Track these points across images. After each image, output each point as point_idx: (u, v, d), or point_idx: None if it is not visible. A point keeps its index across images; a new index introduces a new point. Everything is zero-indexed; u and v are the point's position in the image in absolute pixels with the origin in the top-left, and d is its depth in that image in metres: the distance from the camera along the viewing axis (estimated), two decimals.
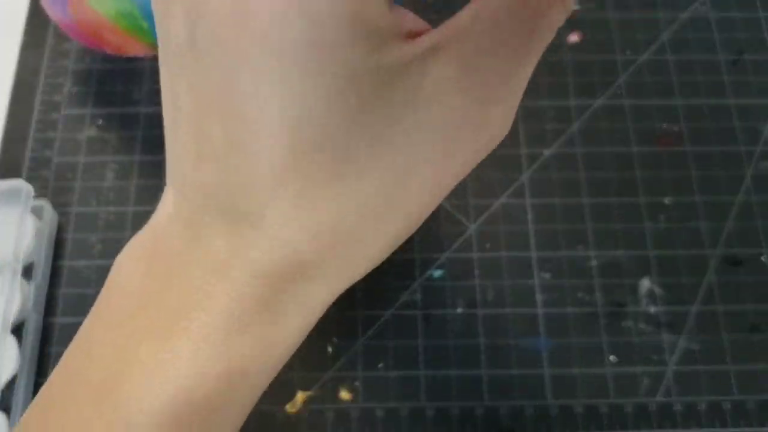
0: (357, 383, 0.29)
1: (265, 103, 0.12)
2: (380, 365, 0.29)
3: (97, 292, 0.16)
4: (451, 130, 0.14)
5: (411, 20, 0.15)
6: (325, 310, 0.16)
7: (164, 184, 0.16)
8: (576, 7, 0.37)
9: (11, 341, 0.28)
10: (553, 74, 0.35)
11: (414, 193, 0.14)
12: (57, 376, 0.15)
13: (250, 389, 0.15)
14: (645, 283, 0.31)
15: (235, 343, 0.14)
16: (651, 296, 0.31)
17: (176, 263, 0.15)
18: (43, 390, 0.15)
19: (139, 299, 0.15)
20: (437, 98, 0.13)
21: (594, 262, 0.31)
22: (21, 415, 0.28)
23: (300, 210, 0.13)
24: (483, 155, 0.15)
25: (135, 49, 0.29)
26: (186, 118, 0.14)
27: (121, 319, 0.15)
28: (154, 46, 0.27)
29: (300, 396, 0.29)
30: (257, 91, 0.12)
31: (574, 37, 0.36)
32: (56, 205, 0.32)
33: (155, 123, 0.34)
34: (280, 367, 0.16)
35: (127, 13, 0.28)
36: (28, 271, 0.30)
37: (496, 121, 0.15)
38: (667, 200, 0.32)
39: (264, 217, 0.13)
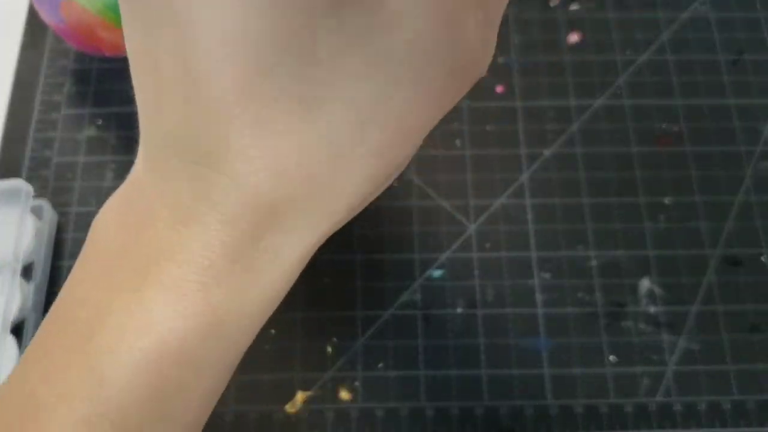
0: (357, 383, 0.29)
1: (212, 23, 0.12)
2: (380, 365, 0.29)
3: None
4: (418, 58, 0.13)
5: None
6: (304, 262, 0.15)
7: None
8: (575, 7, 0.37)
9: (11, 341, 0.28)
10: (553, 74, 0.35)
11: (385, 128, 0.13)
12: (41, 331, 0.15)
13: (228, 345, 0.15)
14: (645, 283, 0.31)
15: (207, 295, 0.14)
16: (651, 296, 0.31)
17: (147, 213, 0.14)
18: (30, 345, 0.15)
19: (114, 251, 0.14)
20: (399, 22, 0.12)
21: (594, 262, 0.31)
22: None
23: (261, 144, 0.13)
24: (464, 86, 0.14)
25: None
26: (141, 60, 0.14)
27: (98, 272, 0.15)
28: None
29: (300, 396, 0.29)
30: (202, 13, 0.12)
31: (574, 38, 0.36)
32: (56, 205, 0.32)
33: None
34: (259, 324, 0.15)
35: (113, 5, 0.28)
36: (27, 271, 0.30)
37: (471, 44, 0.13)
38: (667, 200, 0.32)
39: (224, 155, 0.13)
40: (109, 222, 0.15)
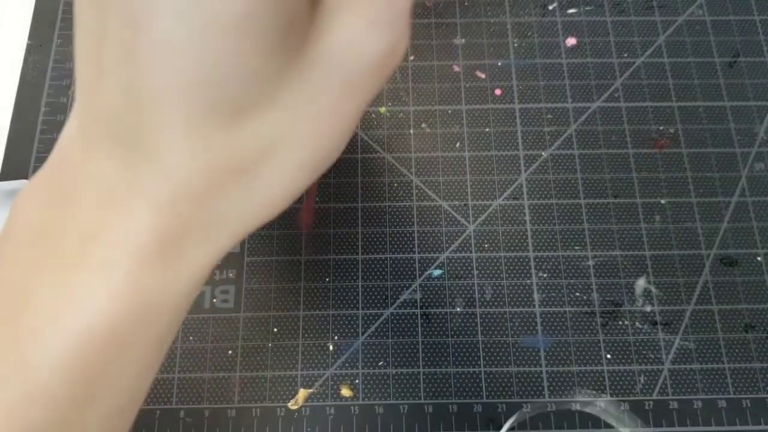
0: (357, 380, 0.29)
1: (163, 20, 0.12)
2: (380, 363, 0.30)
3: None
4: (342, 62, 0.14)
5: None
6: (230, 247, 0.15)
7: None
8: (573, 11, 0.37)
9: None
10: (550, 77, 0.35)
11: (316, 123, 0.14)
12: None
13: (155, 328, 0.14)
14: (641, 283, 0.31)
15: (135, 278, 0.13)
16: (647, 296, 0.31)
17: (74, 192, 0.14)
18: None
19: (39, 230, 0.14)
20: (324, 35, 0.13)
21: (591, 262, 0.31)
22: None
23: (193, 140, 0.13)
24: (381, 80, 0.15)
25: None
26: (87, 35, 0.13)
27: (22, 251, 0.14)
28: None
29: (301, 393, 0.29)
30: (156, 8, 0.12)
31: (571, 41, 0.36)
32: None
33: None
34: (187, 305, 0.15)
35: None
36: None
37: (387, 42, 0.14)
38: (663, 201, 0.33)
39: (157, 145, 0.13)
40: (35, 199, 0.15)
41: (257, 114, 0.13)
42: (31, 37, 0.36)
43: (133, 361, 0.14)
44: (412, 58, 0.36)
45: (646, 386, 0.29)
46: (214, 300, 0.31)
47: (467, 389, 0.29)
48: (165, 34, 0.12)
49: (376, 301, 0.31)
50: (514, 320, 0.30)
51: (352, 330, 0.30)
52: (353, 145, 0.34)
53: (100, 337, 0.13)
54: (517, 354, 0.30)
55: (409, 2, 0.14)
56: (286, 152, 0.14)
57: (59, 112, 0.35)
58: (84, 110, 0.14)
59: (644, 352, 0.30)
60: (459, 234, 0.32)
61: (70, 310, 0.13)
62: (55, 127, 0.34)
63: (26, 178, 0.33)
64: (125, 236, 0.13)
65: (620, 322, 0.30)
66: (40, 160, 0.33)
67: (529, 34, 0.36)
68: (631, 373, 0.29)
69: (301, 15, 0.13)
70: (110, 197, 0.14)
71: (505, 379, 0.29)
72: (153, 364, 0.15)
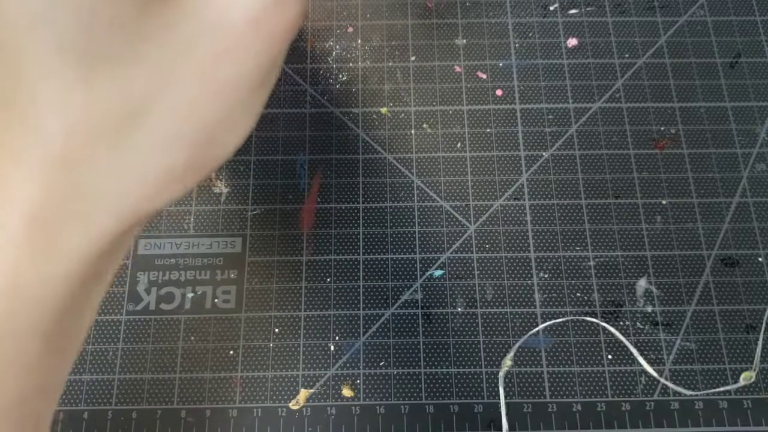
0: (358, 381, 0.29)
1: None
2: (381, 363, 0.30)
3: None
4: (221, 19, 0.13)
5: None
6: (116, 232, 0.14)
7: None
8: (574, 11, 0.37)
9: None
10: (551, 78, 0.35)
11: (189, 85, 0.13)
12: None
13: (31, 312, 0.13)
14: (642, 284, 0.31)
15: (2, 257, 0.12)
16: (648, 296, 0.31)
17: None
18: None
19: None
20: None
21: (592, 263, 0.31)
22: None
23: (70, 104, 0.12)
24: (271, 41, 0.13)
25: None
26: None
27: None
28: None
29: (303, 393, 0.29)
30: None
31: (572, 41, 0.36)
32: None
33: None
34: (69, 288, 0.13)
35: None
36: None
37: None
38: (664, 201, 0.33)
39: (32, 107, 0.12)
40: None
41: (120, 68, 0.12)
42: None
43: (12, 356, 0.13)
44: (413, 58, 0.36)
45: (647, 387, 0.29)
46: (216, 300, 0.31)
47: (468, 389, 0.29)
48: None
49: (377, 301, 0.31)
50: (515, 321, 0.30)
51: (353, 330, 0.30)
52: (354, 145, 0.34)
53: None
54: (518, 354, 0.30)
55: None
56: (157, 115, 0.13)
57: None
58: None
59: (645, 352, 0.30)
60: (460, 234, 0.32)
61: None
62: None
63: None
64: None
65: (621, 323, 0.30)
66: None
67: (530, 34, 0.36)
68: (632, 374, 0.29)
69: None
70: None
71: (507, 380, 0.29)
72: (45, 359, 0.14)
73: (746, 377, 0.27)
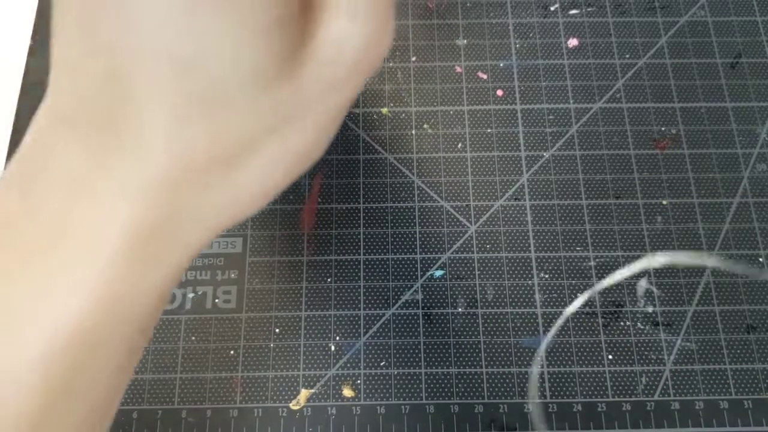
0: (359, 381, 0.29)
1: (153, 14, 0.11)
2: (382, 363, 0.30)
3: None
4: (330, 64, 0.14)
5: None
6: (205, 246, 0.15)
7: None
8: (575, 11, 0.37)
9: None
10: (552, 78, 0.35)
11: (296, 130, 0.14)
12: None
13: (126, 326, 0.14)
14: (643, 284, 0.31)
15: (106, 278, 0.13)
16: (649, 297, 0.31)
17: (40, 183, 0.13)
18: None
19: (4, 225, 0.13)
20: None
21: (592, 263, 0.31)
22: None
23: (176, 126, 0.12)
24: (364, 74, 0.14)
25: None
26: (69, 9, 0.12)
27: None
28: None
29: (303, 393, 0.29)
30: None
31: (573, 42, 0.36)
32: None
33: None
34: (161, 300, 0.15)
35: None
36: None
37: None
38: (665, 202, 0.33)
39: (133, 128, 0.12)
40: (2, 193, 0.14)
41: (245, 108, 0.13)
42: (33, 38, 0.36)
43: (104, 362, 0.14)
44: (414, 59, 0.36)
45: (648, 387, 0.29)
46: (217, 300, 0.31)
47: (469, 390, 0.29)
48: (160, 15, 0.11)
49: (377, 301, 0.31)
50: (515, 321, 0.30)
51: (353, 330, 0.30)
52: (355, 145, 0.34)
53: (69, 339, 0.13)
54: (519, 355, 0.30)
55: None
56: (268, 148, 0.14)
57: None
58: (59, 93, 0.13)
59: (646, 352, 0.30)
60: (461, 234, 0.32)
61: (37, 313, 0.13)
62: None
63: None
64: (95, 232, 0.13)
65: (622, 323, 0.30)
66: None
67: (531, 35, 0.36)
68: (632, 374, 0.29)
69: (293, 14, 0.13)
70: (80, 187, 0.13)
71: (507, 380, 0.29)
72: (126, 364, 0.15)
73: None
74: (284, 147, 0.14)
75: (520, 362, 0.30)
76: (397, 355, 0.30)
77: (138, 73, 0.12)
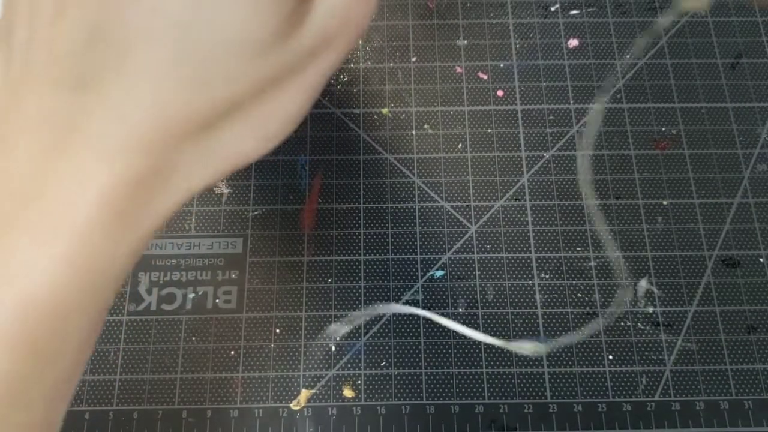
0: (359, 381, 0.29)
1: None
2: (383, 363, 0.30)
3: None
4: (324, 30, 0.14)
5: None
6: (178, 209, 0.14)
7: None
8: (575, 12, 0.37)
9: None
10: (552, 78, 0.35)
11: (280, 97, 0.14)
12: None
13: (99, 290, 0.13)
14: (643, 284, 0.31)
15: (79, 241, 0.12)
16: (649, 297, 0.31)
17: (9, 139, 0.12)
18: None
19: None
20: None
21: (593, 263, 0.31)
22: None
23: (161, 88, 0.12)
24: (351, 37, 0.14)
25: None
26: None
27: None
28: None
29: (304, 393, 0.29)
30: None
31: (573, 42, 0.36)
32: None
33: None
34: (130, 265, 0.14)
35: None
36: None
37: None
38: (665, 202, 0.33)
39: (118, 89, 0.12)
40: None
41: (237, 71, 0.13)
42: None
43: (79, 329, 0.13)
44: (414, 59, 0.36)
45: (648, 387, 0.29)
46: (217, 300, 0.31)
47: (469, 390, 0.29)
48: None
49: (378, 301, 0.31)
50: (515, 321, 0.30)
51: (354, 331, 0.30)
52: (355, 146, 0.34)
53: (43, 306, 0.12)
54: (519, 355, 0.30)
55: None
56: (254, 109, 0.13)
57: None
58: (28, 44, 0.13)
59: (646, 353, 0.30)
60: (461, 235, 0.32)
61: (9, 279, 0.12)
62: None
63: None
64: (71, 193, 0.12)
65: (622, 324, 0.30)
66: None
67: (531, 35, 0.36)
68: (633, 375, 0.29)
69: None
70: (55, 145, 0.12)
71: (507, 380, 0.29)
72: (97, 329, 0.14)
73: None
74: (270, 108, 0.14)
75: (520, 363, 0.30)
76: (398, 356, 0.30)
77: (129, 28, 0.12)
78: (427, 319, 0.30)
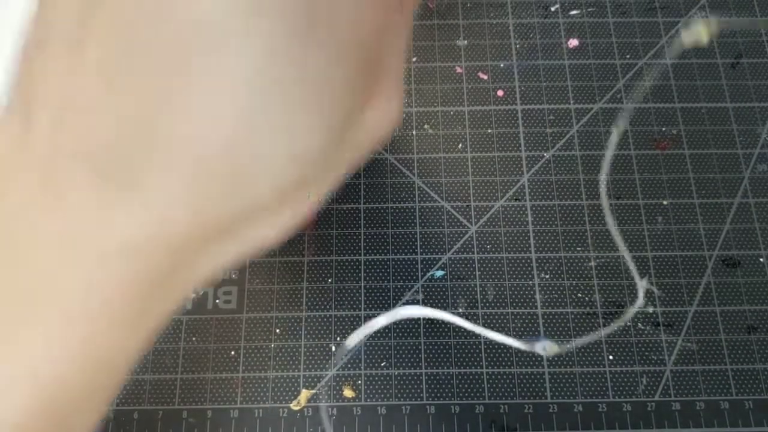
0: (360, 381, 0.29)
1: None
2: (383, 364, 0.30)
3: None
4: (360, 142, 0.14)
5: None
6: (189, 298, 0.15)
7: None
8: (575, 12, 0.37)
9: None
10: (553, 78, 0.35)
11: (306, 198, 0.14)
12: None
13: (112, 377, 0.13)
14: (644, 284, 0.31)
15: (90, 339, 0.12)
16: (650, 297, 0.31)
17: (28, 225, 0.12)
18: None
19: None
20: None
21: (593, 263, 0.31)
22: None
23: (194, 192, 0.12)
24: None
25: None
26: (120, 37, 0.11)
27: None
28: None
29: (304, 394, 0.29)
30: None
31: (573, 42, 0.36)
32: None
33: None
34: (146, 348, 0.14)
35: None
36: None
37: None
38: (665, 202, 0.33)
39: (150, 187, 0.12)
40: None
41: (272, 182, 0.12)
42: None
43: (83, 418, 0.13)
44: (414, 59, 0.36)
45: (649, 388, 0.29)
46: (217, 301, 0.31)
47: (469, 390, 0.29)
48: (218, 108, 0.11)
49: (378, 302, 0.31)
50: (516, 321, 0.30)
51: (354, 331, 0.30)
52: None
53: (51, 398, 0.12)
54: (519, 355, 0.30)
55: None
56: (278, 215, 0.13)
57: None
58: (56, 126, 0.12)
59: (646, 353, 0.30)
60: (461, 235, 0.32)
61: (17, 371, 0.12)
62: None
63: None
64: (88, 287, 0.12)
65: (622, 324, 0.30)
66: None
67: (532, 35, 0.36)
68: (633, 375, 0.29)
69: (357, 106, 0.13)
70: (76, 235, 0.12)
71: (508, 380, 0.29)
72: (100, 415, 0.14)
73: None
74: (291, 213, 0.14)
75: (520, 363, 0.30)
76: (398, 356, 0.30)
77: (174, 132, 0.11)
78: (426, 319, 0.30)
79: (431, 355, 0.30)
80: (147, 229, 0.12)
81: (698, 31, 0.17)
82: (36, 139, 0.12)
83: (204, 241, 0.13)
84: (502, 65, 0.35)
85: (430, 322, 0.30)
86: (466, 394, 0.29)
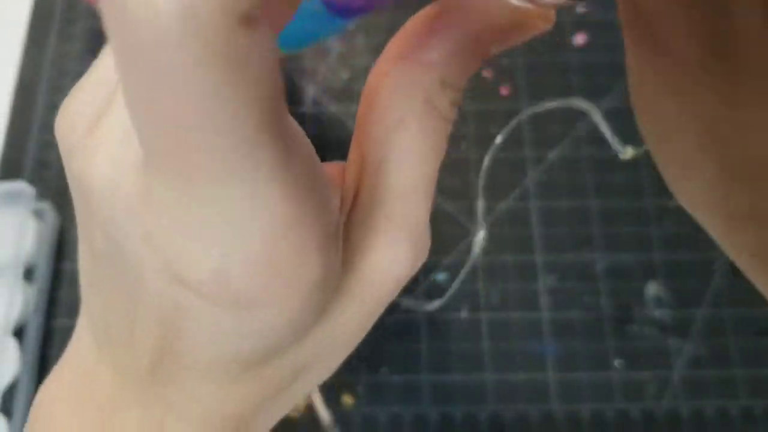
0: (359, 388, 0.29)
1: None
2: (383, 369, 0.29)
3: None
4: (378, 293, 0.13)
5: None
6: None
7: None
8: (582, 9, 0.37)
9: (13, 344, 0.28)
10: (558, 76, 0.35)
11: (341, 347, 0.14)
12: None
13: None
14: (651, 287, 0.31)
15: None
16: (657, 300, 0.30)
17: (104, 424, 0.13)
18: None
19: None
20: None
21: (600, 266, 0.31)
22: (22, 418, 0.28)
23: (223, 384, 0.13)
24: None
25: None
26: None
27: None
28: None
29: (302, 400, 0.29)
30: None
31: (580, 39, 0.36)
32: (58, 208, 0.32)
33: None
34: None
35: None
36: (29, 274, 0.30)
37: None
38: (673, 203, 0.32)
39: (184, 373, 0.12)
40: (57, 417, 0.14)
41: (293, 348, 0.13)
42: (28, 36, 0.36)
43: None
44: None
45: (657, 393, 0.29)
46: None
47: (473, 397, 0.29)
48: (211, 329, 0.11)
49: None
50: (520, 325, 0.30)
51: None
52: None
53: None
54: (524, 360, 0.29)
55: (428, 215, 0.13)
56: (314, 368, 0.14)
57: (56, 112, 0.34)
58: (121, 334, 0.13)
59: (654, 358, 0.30)
60: (464, 237, 0.32)
61: None
62: (51, 128, 0.33)
63: (23, 179, 0.32)
64: None
65: (630, 327, 0.30)
66: (37, 161, 0.33)
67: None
68: (641, 380, 0.29)
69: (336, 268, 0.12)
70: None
71: (512, 387, 0.29)
72: None
73: None
74: (326, 364, 0.14)
75: (525, 368, 0.29)
76: (399, 361, 0.29)
77: (190, 354, 0.12)
78: (428, 323, 0.30)
79: (433, 361, 0.29)
80: (195, 412, 0.13)
81: None
82: (94, 345, 0.14)
83: (254, 407, 0.13)
84: (506, 62, 0.35)
85: (433, 326, 0.30)
86: (470, 401, 0.29)
